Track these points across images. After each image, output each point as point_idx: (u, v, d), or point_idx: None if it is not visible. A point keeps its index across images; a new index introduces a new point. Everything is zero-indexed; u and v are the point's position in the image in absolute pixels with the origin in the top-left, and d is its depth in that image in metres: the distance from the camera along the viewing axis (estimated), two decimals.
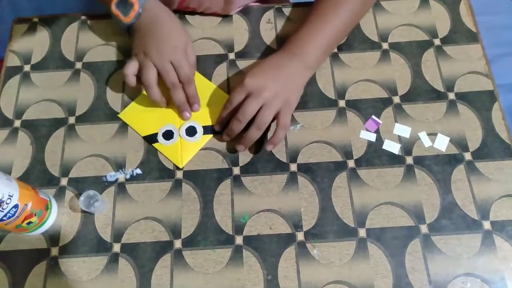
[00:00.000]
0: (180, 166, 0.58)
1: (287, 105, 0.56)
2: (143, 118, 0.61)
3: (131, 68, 0.59)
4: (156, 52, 0.58)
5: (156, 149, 0.59)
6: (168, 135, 0.60)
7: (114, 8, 0.60)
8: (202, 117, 0.61)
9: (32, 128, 0.62)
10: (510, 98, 1.14)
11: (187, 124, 0.60)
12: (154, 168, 0.58)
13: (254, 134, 0.56)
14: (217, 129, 0.60)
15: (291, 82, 0.57)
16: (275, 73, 0.57)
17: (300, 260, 0.53)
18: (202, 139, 0.60)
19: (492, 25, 1.25)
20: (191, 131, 0.60)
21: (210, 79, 0.64)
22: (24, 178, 0.58)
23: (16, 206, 0.48)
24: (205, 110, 0.62)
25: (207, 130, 0.60)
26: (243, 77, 0.56)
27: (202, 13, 0.68)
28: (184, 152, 0.59)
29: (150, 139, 0.60)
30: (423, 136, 0.59)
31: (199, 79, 0.64)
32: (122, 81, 0.63)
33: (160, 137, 0.60)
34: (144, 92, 0.62)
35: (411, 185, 0.56)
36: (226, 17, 0.68)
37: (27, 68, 0.66)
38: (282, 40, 0.65)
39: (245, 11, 0.69)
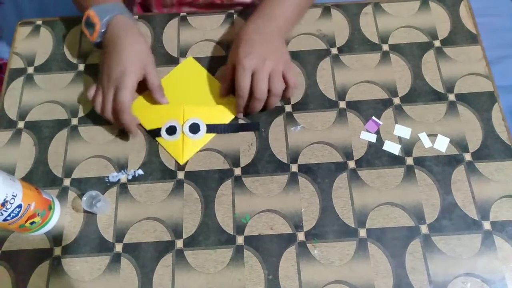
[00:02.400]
0: (181, 163, 0.59)
1: (287, 65, 0.58)
2: (148, 112, 0.61)
3: (91, 91, 0.60)
4: (106, 76, 0.58)
5: (158, 149, 0.60)
6: (172, 130, 0.60)
7: (83, 27, 0.61)
8: (206, 116, 0.61)
9: (36, 129, 0.62)
10: (511, 99, 1.14)
11: (191, 120, 0.60)
12: (156, 168, 0.59)
13: (274, 102, 0.59)
14: (241, 117, 0.61)
15: (279, 45, 0.59)
16: (264, 43, 0.58)
17: (301, 260, 0.53)
18: (205, 138, 0.60)
19: (492, 26, 1.25)
20: (194, 128, 0.60)
21: None
22: (28, 179, 0.59)
23: (19, 206, 0.49)
24: (210, 109, 0.62)
25: (210, 128, 0.60)
26: (237, 59, 0.57)
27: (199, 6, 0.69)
28: (186, 148, 0.59)
29: (154, 133, 0.60)
30: (423, 137, 0.60)
31: (206, 77, 0.64)
32: None
33: (163, 132, 0.60)
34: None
35: (411, 185, 0.57)
36: (224, 12, 0.69)
37: (30, 70, 0.67)
38: None
39: (246, 12, 0.69)
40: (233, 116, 0.61)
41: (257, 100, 0.57)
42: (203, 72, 0.65)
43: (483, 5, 1.06)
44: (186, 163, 0.59)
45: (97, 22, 0.59)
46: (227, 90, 0.61)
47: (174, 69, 0.65)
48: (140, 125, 0.61)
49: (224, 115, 0.61)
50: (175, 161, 0.59)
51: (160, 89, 0.61)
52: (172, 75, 0.65)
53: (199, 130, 0.60)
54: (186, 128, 0.60)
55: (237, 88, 0.57)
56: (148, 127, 0.61)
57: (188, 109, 0.61)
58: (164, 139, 0.60)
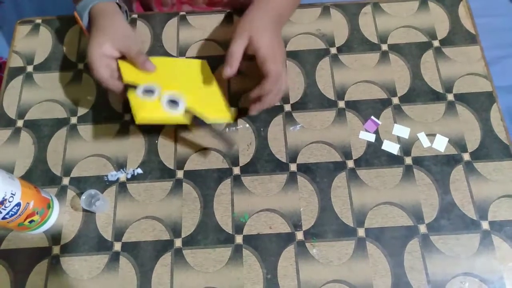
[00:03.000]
0: (136, 120, 0.52)
1: (285, 63, 0.61)
2: (136, 71, 0.57)
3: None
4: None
5: (157, 148, 0.60)
6: (149, 92, 0.55)
7: (82, 27, 0.62)
8: (193, 103, 0.56)
9: (35, 128, 0.62)
10: (509, 100, 1.14)
11: (173, 96, 0.55)
12: (155, 168, 0.59)
13: (279, 98, 0.60)
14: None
15: (283, 45, 0.61)
16: (279, 45, 0.58)
17: (300, 260, 0.53)
18: (176, 118, 0.55)
19: (491, 27, 1.25)
20: (173, 103, 0.55)
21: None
22: (27, 178, 0.59)
23: (18, 205, 0.49)
24: (200, 101, 0.58)
25: (196, 120, 0.55)
26: (266, 64, 0.54)
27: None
28: (150, 111, 0.53)
29: (129, 86, 0.55)
30: (422, 136, 0.60)
31: (211, 81, 0.61)
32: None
33: (139, 89, 0.54)
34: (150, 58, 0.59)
35: (410, 185, 0.57)
36: (224, 12, 0.69)
37: (29, 68, 0.67)
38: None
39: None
40: (217, 121, 0.59)
41: (276, 97, 0.58)
42: (210, 77, 0.62)
43: (482, 5, 1.06)
44: (185, 162, 0.59)
45: (79, 20, 0.60)
46: (234, 72, 0.57)
47: (182, 59, 0.65)
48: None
49: (210, 115, 0.56)
50: (175, 160, 0.59)
51: (140, 55, 0.57)
52: (178, 62, 0.64)
53: (177, 107, 0.55)
54: (165, 97, 0.55)
55: (264, 90, 0.55)
56: (127, 79, 0.55)
57: (181, 91, 0.56)
58: (136, 93, 0.54)
